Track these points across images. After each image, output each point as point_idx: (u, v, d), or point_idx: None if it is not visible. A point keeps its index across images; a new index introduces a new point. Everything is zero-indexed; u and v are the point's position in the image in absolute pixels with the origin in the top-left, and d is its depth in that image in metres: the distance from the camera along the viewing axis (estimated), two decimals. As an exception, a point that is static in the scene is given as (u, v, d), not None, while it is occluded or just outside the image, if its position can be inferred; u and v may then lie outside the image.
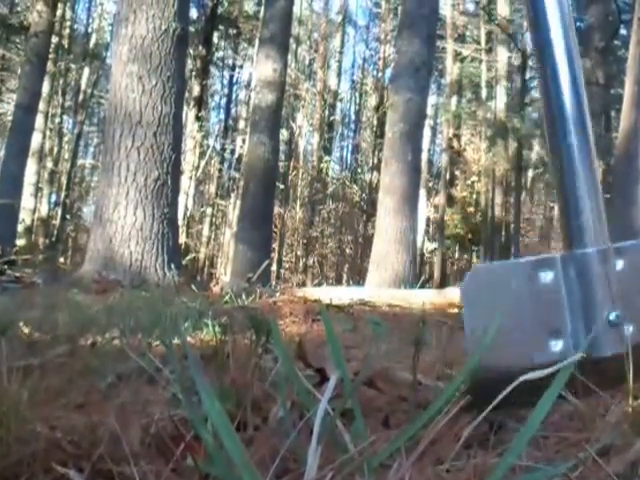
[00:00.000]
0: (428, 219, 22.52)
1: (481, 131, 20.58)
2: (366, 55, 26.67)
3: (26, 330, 1.90)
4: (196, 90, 17.87)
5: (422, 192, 17.07)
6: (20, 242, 13.59)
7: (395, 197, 8.45)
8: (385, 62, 23.43)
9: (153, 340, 1.82)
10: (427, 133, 20.31)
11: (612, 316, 0.83)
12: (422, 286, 7.59)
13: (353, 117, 27.23)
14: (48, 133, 19.77)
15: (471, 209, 21.86)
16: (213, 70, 23.05)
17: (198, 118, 18.21)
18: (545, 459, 0.83)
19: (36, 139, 14.68)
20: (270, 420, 0.98)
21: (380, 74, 24.37)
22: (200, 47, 18.25)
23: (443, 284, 16.96)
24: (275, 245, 19.14)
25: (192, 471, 0.75)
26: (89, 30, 23.87)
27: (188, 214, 18.87)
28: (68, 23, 20.97)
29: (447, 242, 21.58)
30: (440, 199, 20.50)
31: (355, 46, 27.77)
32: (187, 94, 15.48)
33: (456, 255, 23.73)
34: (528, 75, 18.61)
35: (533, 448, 0.86)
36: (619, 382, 0.90)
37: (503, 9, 18.12)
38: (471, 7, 22.29)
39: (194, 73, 17.94)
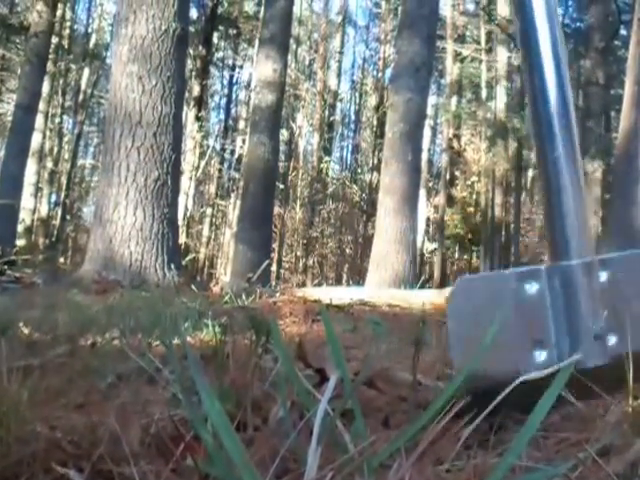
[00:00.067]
0: (428, 219, 22.53)
1: (481, 131, 20.59)
2: (366, 55, 26.74)
3: (26, 330, 1.90)
4: (196, 90, 17.88)
5: (422, 192, 17.08)
6: (20, 242, 13.59)
7: (395, 197, 8.45)
8: (385, 62, 23.44)
9: (153, 340, 1.83)
10: (427, 133, 20.32)
11: (596, 327, 0.84)
12: (422, 286, 7.58)
13: (353, 117, 27.28)
14: (48, 133, 19.78)
15: (471, 209, 21.89)
16: (213, 70, 23.07)
17: (198, 118, 18.21)
18: (545, 459, 0.83)
19: (36, 139, 14.69)
20: (270, 420, 0.98)
21: (380, 74, 24.40)
22: (200, 47, 18.25)
23: (443, 284, 16.96)
24: (275, 245, 19.14)
25: (192, 471, 0.75)
26: (89, 30, 23.92)
27: (188, 214, 18.87)
28: (68, 23, 20.99)
29: (447, 242, 21.60)
30: (440, 199, 20.52)
31: (355, 46, 27.84)
32: (187, 94, 15.49)
33: (456, 255, 23.75)
34: (528, 75, 18.57)
35: (533, 448, 0.87)
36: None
37: (503, 9, 18.11)
38: (471, 7, 22.32)
39: (194, 73, 17.94)
